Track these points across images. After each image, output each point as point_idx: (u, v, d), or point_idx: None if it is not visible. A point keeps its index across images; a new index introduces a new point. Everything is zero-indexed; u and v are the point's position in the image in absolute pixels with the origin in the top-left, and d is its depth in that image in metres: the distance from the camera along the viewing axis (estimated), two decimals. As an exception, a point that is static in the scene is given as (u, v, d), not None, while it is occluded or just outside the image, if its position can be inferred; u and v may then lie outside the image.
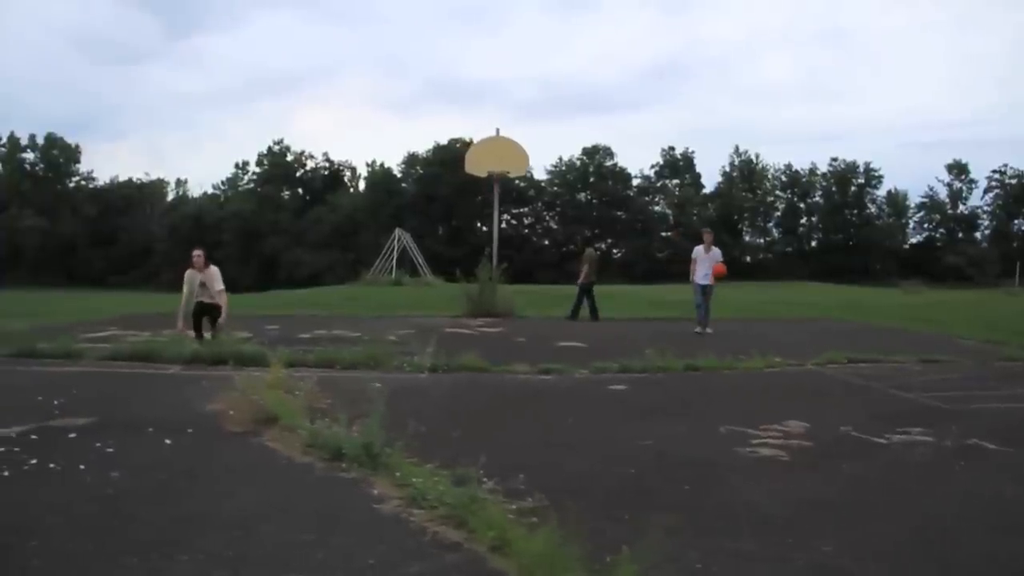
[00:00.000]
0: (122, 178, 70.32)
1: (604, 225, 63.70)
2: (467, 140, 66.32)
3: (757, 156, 64.26)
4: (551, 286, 30.84)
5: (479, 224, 66.74)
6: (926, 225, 62.27)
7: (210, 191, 70.57)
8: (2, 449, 4.20)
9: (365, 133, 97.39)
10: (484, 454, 3.82)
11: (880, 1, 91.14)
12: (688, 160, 65.00)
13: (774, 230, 64.15)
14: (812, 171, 62.87)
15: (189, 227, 62.53)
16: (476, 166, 14.96)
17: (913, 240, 62.83)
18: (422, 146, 68.50)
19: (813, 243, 63.20)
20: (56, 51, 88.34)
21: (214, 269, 9.33)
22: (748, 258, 60.36)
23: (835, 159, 62.35)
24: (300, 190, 68.26)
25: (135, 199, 68.74)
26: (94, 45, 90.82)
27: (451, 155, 64.06)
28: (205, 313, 9.20)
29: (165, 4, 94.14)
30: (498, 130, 14.92)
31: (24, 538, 2.87)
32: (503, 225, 67.75)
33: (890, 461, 4.45)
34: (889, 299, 27.18)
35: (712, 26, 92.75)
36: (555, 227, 65.10)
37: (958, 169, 60.55)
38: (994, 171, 60.01)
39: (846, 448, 4.73)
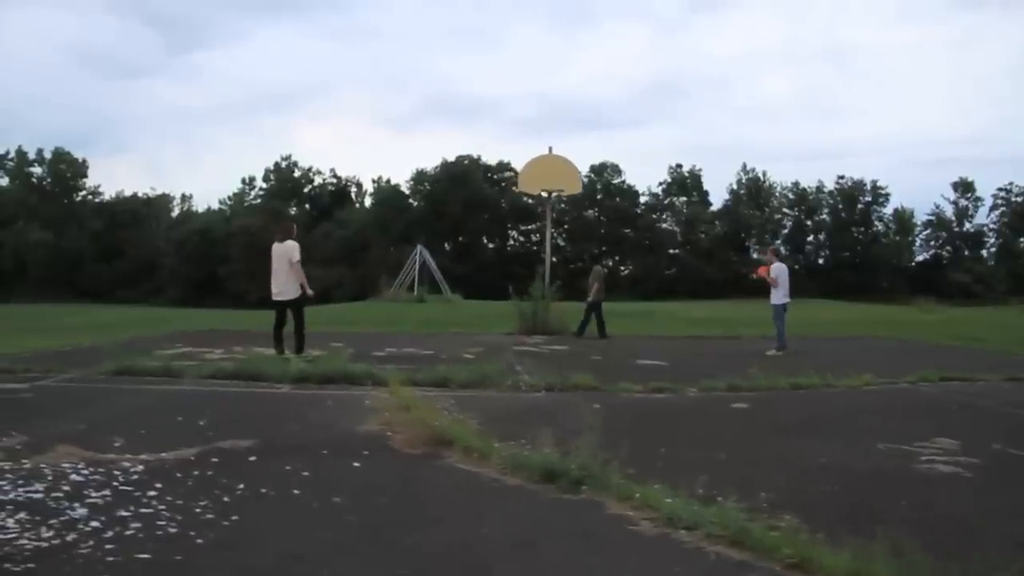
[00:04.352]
0: (127, 193, 70.38)
1: (612, 242, 63.89)
2: (475, 157, 66.94)
3: (764, 174, 64.81)
4: (563, 303, 30.90)
5: (485, 240, 66.91)
6: (932, 243, 62.69)
7: (215, 206, 70.67)
8: (196, 473, 4.18)
9: (364, 148, 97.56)
10: (690, 473, 3.86)
11: (884, 19, 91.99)
12: (696, 178, 65.37)
13: (781, 247, 64.32)
14: (819, 188, 63.36)
15: (196, 242, 62.43)
16: (530, 184, 15.06)
17: (919, 258, 63.22)
18: (422, 162, 68.92)
19: (820, 260, 63.47)
20: (57, 66, 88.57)
21: None
22: (755, 275, 60.53)
23: (842, 177, 62.92)
24: (307, 206, 68.29)
25: (141, 214, 68.62)
26: (95, 60, 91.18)
27: (459, 171, 64.45)
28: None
29: (166, 20, 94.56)
30: (551, 148, 15.05)
31: (316, 567, 2.86)
32: (511, 243, 68.12)
33: (1071, 477, 4.49)
34: (908, 316, 27.30)
35: (714, 44, 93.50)
36: (563, 244, 65.23)
37: (964, 187, 61.00)
38: (1000, 189, 60.60)
39: (1016, 463, 4.77)
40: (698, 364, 9.85)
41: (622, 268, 63.52)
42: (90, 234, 64.23)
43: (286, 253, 9.07)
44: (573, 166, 15.10)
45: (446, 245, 61.60)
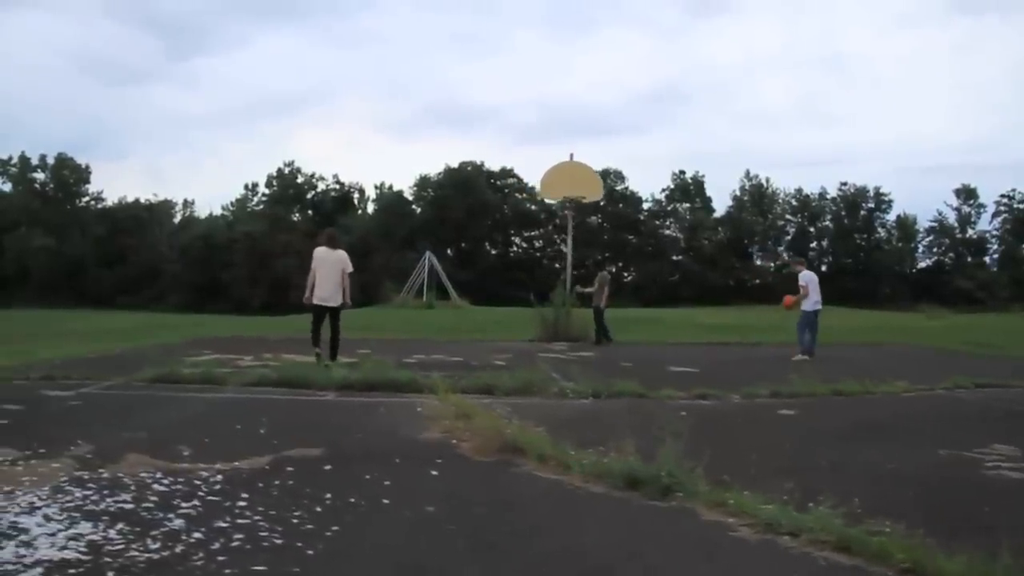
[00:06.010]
0: (129, 198, 70.22)
1: (615, 249, 64.00)
2: (478, 163, 67.14)
3: (767, 180, 65.00)
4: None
5: (488, 247, 67.00)
6: (935, 249, 62.87)
7: (217, 212, 70.66)
8: (276, 482, 4.19)
9: (367, 154, 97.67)
10: (767, 479, 3.90)
11: (885, 25, 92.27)
12: (699, 184, 65.48)
13: (784, 254, 64.50)
14: (822, 195, 63.56)
15: (199, 248, 62.39)
16: (551, 191, 15.12)
17: (922, 264, 63.43)
18: (425, 168, 68.83)
19: (823, 267, 63.52)
20: (59, 72, 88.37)
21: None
22: (758, 280, 60.76)
23: (844, 183, 63.03)
24: (310, 212, 68.28)
25: (143, 219, 68.55)
26: (97, 66, 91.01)
27: (462, 178, 64.55)
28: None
29: (166, 26, 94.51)
30: (572, 155, 15.10)
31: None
32: (514, 249, 68.18)
33: None
34: (914, 322, 27.42)
35: (715, 50, 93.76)
36: (566, 250, 65.32)
37: (966, 193, 61.19)
38: (1002, 195, 60.66)
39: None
40: (728, 370, 9.89)
41: (625, 274, 63.62)
42: (92, 240, 64.14)
43: (340, 262, 9.20)
44: (594, 173, 15.19)
45: (449, 251, 61.68)
